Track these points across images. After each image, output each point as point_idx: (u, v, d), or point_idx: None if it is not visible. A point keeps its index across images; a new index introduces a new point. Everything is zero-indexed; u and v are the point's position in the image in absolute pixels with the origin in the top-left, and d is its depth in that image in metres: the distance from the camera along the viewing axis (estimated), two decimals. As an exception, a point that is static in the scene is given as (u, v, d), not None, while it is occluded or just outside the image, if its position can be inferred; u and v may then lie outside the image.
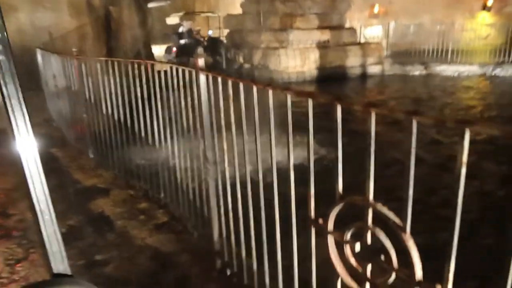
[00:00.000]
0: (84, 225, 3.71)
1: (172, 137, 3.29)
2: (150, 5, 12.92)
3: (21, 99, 1.81)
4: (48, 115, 7.45)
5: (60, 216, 1.66)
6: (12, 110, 1.66)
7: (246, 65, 13.57)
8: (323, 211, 1.57)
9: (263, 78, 12.22)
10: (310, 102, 1.46)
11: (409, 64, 14.18)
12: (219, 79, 2.10)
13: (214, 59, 16.05)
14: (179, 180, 3.33)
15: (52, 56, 6.02)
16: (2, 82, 1.73)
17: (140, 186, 4.17)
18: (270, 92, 1.64)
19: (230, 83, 1.98)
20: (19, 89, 1.95)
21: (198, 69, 2.30)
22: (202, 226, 2.99)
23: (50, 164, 5.34)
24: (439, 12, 17.06)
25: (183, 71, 2.63)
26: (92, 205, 4.06)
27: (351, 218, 1.42)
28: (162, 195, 3.75)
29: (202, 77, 2.31)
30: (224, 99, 2.21)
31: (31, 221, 2.90)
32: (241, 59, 13.81)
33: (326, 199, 1.49)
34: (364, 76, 13.46)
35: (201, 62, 2.29)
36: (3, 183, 4.92)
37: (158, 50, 16.09)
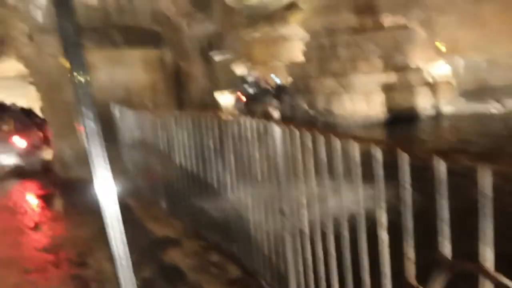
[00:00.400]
0: (158, 277, 3.69)
1: (245, 188, 3.24)
2: (217, 58, 13.58)
3: (105, 157, 1.82)
4: (124, 166, 7.84)
5: (134, 267, 1.63)
6: (96, 165, 1.68)
7: (311, 111, 13.57)
8: (418, 271, 1.39)
9: (328, 123, 12.09)
10: (404, 157, 1.32)
11: (484, 102, 13.34)
12: (297, 132, 2.03)
13: (281, 106, 16.30)
14: (252, 232, 3.23)
15: (128, 110, 6.41)
16: (89, 142, 1.77)
17: (211, 238, 4.13)
18: (356, 146, 1.52)
19: (309, 136, 1.89)
20: (104, 148, 1.98)
21: (273, 122, 2.26)
22: (279, 283, 2.83)
23: (124, 214, 5.54)
24: (512, 45, 16.10)
25: (257, 123, 2.60)
26: (165, 256, 4.06)
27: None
28: (235, 247, 3.66)
29: (278, 130, 2.26)
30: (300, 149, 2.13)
31: (109, 273, 2.93)
32: (305, 105, 13.86)
33: (420, 256, 1.31)
34: (436, 117, 12.83)
35: (276, 114, 2.25)
36: (82, 232, 5.14)
37: (227, 99, 16.74)
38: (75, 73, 2.00)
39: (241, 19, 14.34)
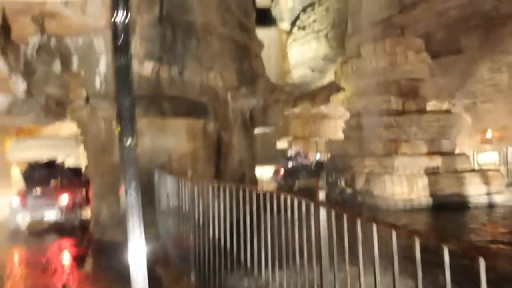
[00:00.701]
0: None
1: (281, 268, 3.04)
2: (257, 130, 13.84)
3: (141, 224, 1.77)
4: (157, 232, 7.77)
5: None
6: (131, 231, 1.62)
7: (348, 190, 13.24)
8: None
9: (367, 204, 11.69)
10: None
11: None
12: (344, 217, 1.90)
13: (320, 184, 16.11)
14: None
15: (168, 176, 6.47)
16: (128, 207, 1.73)
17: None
18: (417, 242, 1.37)
19: (358, 223, 1.76)
20: (141, 215, 1.93)
21: (319, 204, 2.15)
22: None
23: (151, 283, 5.35)
24: None
25: (299, 201, 2.49)
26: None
27: None
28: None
29: (323, 212, 2.14)
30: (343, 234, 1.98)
31: None
32: (343, 184, 13.58)
33: None
34: (483, 206, 12.09)
35: (322, 195, 2.14)
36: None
37: (266, 171, 16.78)
38: (124, 139, 2.02)
39: (283, 95, 14.78)
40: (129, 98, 1.65)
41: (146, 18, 8.93)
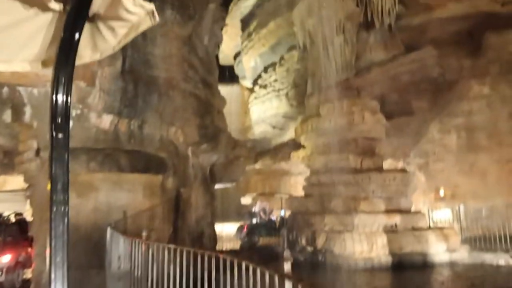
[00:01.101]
0: None
1: None
2: (217, 186, 13.60)
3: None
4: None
5: None
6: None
7: (309, 249, 13.02)
8: None
9: (328, 263, 11.48)
10: None
11: (490, 252, 12.84)
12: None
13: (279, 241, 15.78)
14: None
15: (121, 236, 6.05)
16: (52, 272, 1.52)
17: None
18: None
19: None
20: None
21: (284, 275, 1.98)
22: None
23: None
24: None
25: (262, 271, 2.31)
26: None
27: None
28: None
29: (288, 285, 1.97)
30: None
31: None
32: (303, 242, 13.37)
33: None
34: (442, 264, 12.19)
35: (287, 267, 1.98)
36: None
37: (228, 228, 16.32)
38: (54, 196, 1.80)
39: (245, 151, 14.81)
40: (65, 157, 1.49)
41: (107, 71, 8.83)
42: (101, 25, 1.88)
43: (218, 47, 14.29)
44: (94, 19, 1.80)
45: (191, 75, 10.66)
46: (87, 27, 1.78)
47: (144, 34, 9.79)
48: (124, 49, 9.08)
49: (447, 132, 16.67)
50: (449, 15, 16.60)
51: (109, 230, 7.25)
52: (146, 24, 1.94)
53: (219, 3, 12.71)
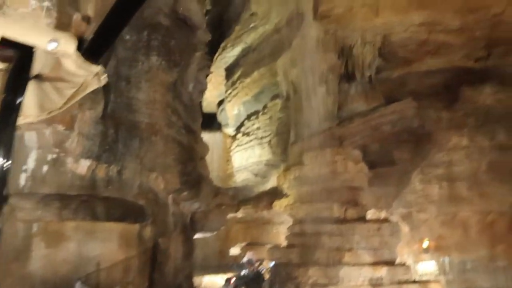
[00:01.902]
0: None
1: None
2: (197, 235, 13.08)
3: None
4: None
5: None
6: None
7: (293, 303, 12.43)
8: None
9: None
10: None
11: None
12: None
13: None
14: None
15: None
16: None
17: None
18: None
19: None
20: None
21: None
22: None
23: None
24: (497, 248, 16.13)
25: None
26: None
27: None
28: None
29: None
30: None
31: None
32: (287, 296, 12.78)
33: None
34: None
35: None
36: None
37: (213, 280, 15.58)
38: None
39: (227, 199, 14.43)
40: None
41: (88, 115, 8.58)
42: (46, 86, 1.78)
43: (203, 94, 14.31)
44: (39, 79, 1.68)
45: (175, 120, 10.49)
46: (32, 87, 1.66)
47: (128, 79, 9.69)
48: (106, 93, 8.91)
49: (429, 183, 16.74)
50: (427, 68, 17.28)
51: (78, 285, 6.70)
52: (94, 85, 1.89)
53: (205, 51, 12.87)
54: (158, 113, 10.02)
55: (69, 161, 8.57)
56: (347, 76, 16.84)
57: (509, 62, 16.97)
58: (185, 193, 10.64)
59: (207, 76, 14.19)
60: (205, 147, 12.58)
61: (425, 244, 18.49)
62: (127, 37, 9.60)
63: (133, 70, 9.69)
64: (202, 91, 13.42)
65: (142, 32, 9.85)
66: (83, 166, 8.84)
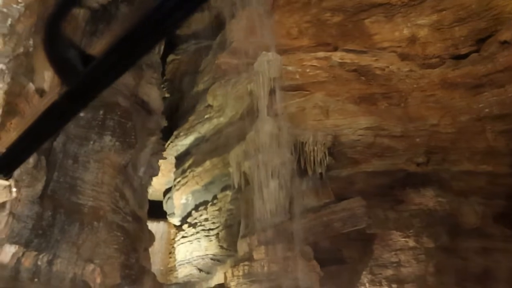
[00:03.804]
0: None
1: None
2: None
3: None
4: None
5: None
6: None
7: None
8: None
9: None
10: None
11: None
12: None
13: None
14: None
15: None
16: None
17: None
18: None
19: None
20: None
21: None
22: None
23: None
24: None
25: None
26: None
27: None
28: None
29: None
30: None
31: None
32: None
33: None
34: None
35: None
36: None
37: None
38: None
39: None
40: None
41: (24, 194, 7.63)
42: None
43: (151, 180, 13.67)
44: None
45: (122, 206, 9.67)
46: None
47: (76, 157, 8.98)
48: (50, 171, 8.11)
49: (379, 284, 16.41)
50: (373, 169, 18.00)
51: None
52: (3, 197, 1.54)
53: (160, 136, 12.57)
54: (104, 196, 9.20)
55: (-8, 246, 7.38)
56: (300, 171, 17.05)
57: (446, 168, 18.22)
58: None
59: (158, 161, 13.70)
60: (151, 237, 11.61)
61: None
62: (81, 114, 9.12)
63: (83, 149, 9.06)
64: (152, 176, 12.81)
65: (98, 111, 9.45)
66: (7, 252, 7.63)
